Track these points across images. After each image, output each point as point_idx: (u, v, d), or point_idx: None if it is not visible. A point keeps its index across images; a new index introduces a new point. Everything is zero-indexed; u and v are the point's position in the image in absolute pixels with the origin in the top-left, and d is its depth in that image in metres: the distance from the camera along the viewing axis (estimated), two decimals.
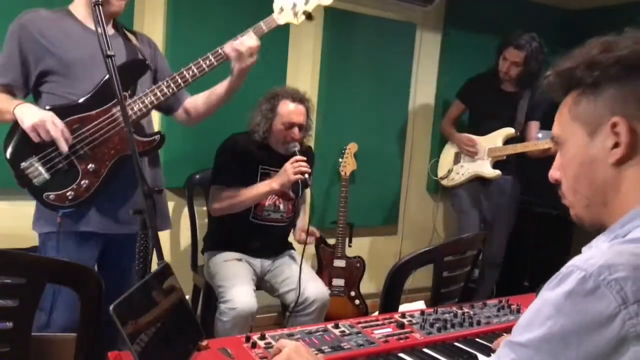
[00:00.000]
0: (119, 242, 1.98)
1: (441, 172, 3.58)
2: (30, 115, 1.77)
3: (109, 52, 1.62)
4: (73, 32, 1.91)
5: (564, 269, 0.78)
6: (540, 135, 3.56)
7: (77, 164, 1.85)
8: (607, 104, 0.84)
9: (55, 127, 1.77)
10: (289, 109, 2.56)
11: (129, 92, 1.90)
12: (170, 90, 1.91)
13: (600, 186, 0.86)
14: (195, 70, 1.91)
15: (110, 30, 1.97)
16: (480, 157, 3.36)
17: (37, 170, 1.83)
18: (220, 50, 1.93)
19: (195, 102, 2.17)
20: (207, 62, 1.92)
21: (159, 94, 1.89)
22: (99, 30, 1.63)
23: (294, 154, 2.47)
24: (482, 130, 3.38)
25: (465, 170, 3.43)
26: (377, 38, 3.58)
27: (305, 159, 2.44)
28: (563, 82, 0.90)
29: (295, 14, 2.00)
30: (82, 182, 1.85)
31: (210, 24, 2.98)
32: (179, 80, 1.91)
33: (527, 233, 3.81)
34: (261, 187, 2.49)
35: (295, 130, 2.56)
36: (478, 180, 3.40)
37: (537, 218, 3.78)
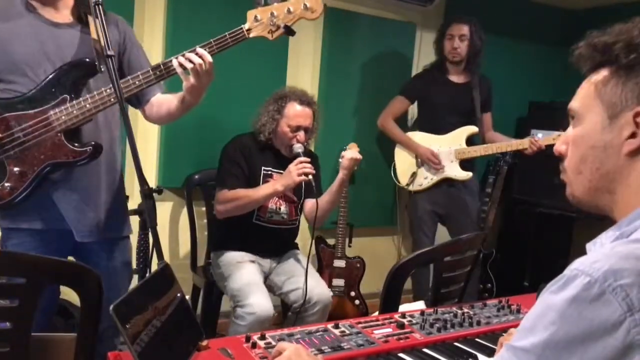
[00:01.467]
0: (88, 248, 1.90)
1: (403, 177, 3.39)
2: None
3: (109, 52, 1.60)
4: (20, 22, 1.74)
5: (567, 272, 0.76)
6: (540, 135, 3.55)
7: (5, 164, 1.73)
8: (636, 90, 0.80)
9: None
10: (296, 111, 2.55)
11: (72, 95, 1.74)
12: (112, 99, 1.71)
13: (608, 173, 0.84)
14: (142, 79, 1.76)
15: (66, 18, 1.80)
16: (448, 159, 3.27)
17: None
18: (172, 61, 1.76)
19: (158, 102, 1.98)
20: (157, 72, 1.76)
21: (98, 102, 1.72)
22: (99, 29, 1.61)
23: (298, 155, 2.47)
24: (439, 126, 3.30)
25: (434, 174, 3.30)
26: (377, 38, 3.58)
27: (309, 160, 2.43)
28: (596, 56, 0.85)
29: (271, 29, 1.78)
30: (7, 184, 1.73)
31: (210, 24, 2.97)
32: (123, 89, 1.71)
33: (527, 233, 3.81)
34: (265, 189, 2.49)
35: (301, 133, 2.55)
36: (445, 182, 3.31)
37: (537, 218, 3.78)
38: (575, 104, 0.89)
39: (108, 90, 1.72)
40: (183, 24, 2.93)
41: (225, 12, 3.01)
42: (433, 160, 3.27)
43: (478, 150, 3.24)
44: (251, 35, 1.79)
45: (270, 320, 2.35)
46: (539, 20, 4.05)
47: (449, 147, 3.27)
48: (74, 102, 1.73)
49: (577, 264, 0.76)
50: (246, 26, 1.80)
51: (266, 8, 1.80)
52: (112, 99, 1.73)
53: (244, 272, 2.49)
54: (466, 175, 3.27)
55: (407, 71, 3.75)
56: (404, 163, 3.41)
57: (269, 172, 2.61)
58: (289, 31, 1.81)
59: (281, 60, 3.25)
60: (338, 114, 3.49)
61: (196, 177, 2.99)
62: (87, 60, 1.74)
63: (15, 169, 1.73)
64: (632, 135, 0.81)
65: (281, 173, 2.53)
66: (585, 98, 0.86)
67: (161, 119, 2.02)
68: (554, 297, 0.76)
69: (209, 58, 1.75)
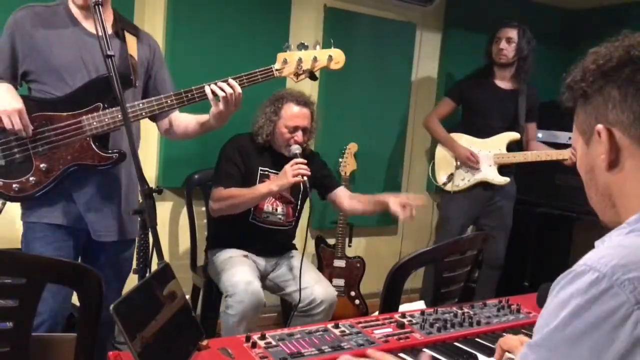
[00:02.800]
0: (98, 247, 1.96)
1: (441, 177, 3.42)
2: (1, 101, 1.75)
3: (109, 52, 1.61)
4: (63, 31, 1.87)
5: (577, 267, 0.78)
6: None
7: (32, 159, 1.82)
8: (593, 112, 0.87)
9: (17, 122, 1.74)
10: (293, 112, 2.55)
11: (105, 103, 1.84)
12: (144, 113, 1.86)
13: (604, 190, 0.89)
14: (174, 99, 1.88)
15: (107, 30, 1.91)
16: (486, 163, 3.28)
17: None
18: (205, 87, 1.89)
19: (178, 120, 2.12)
20: (189, 94, 1.88)
21: (130, 114, 1.81)
22: (99, 30, 1.63)
23: (295, 157, 2.46)
24: (480, 129, 3.31)
25: (471, 176, 3.32)
26: (377, 38, 3.58)
27: (305, 161, 2.43)
28: (568, 95, 0.93)
29: (297, 72, 1.95)
30: (31, 178, 1.82)
31: (211, 24, 2.98)
32: (155, 106, 1.87)
33: (527, 233, 3.80)
34: (260, 189, 2.49)
35: (299, 133, 2.55)
36: (481, 186, 3.33)
37: (537, 218, 3.78)
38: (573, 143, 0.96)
39: (141, 105, 1.86)
40: (183, 24, 2.93)
41: (225, 12, 3.02)
42: (471, 160, 3.27)
43: (517, 157, 3.23)
44: (281, 75, 1.96)
45: (261, 308, 2.37)
46: (539, 20, 4.05)
47: (489, 151, 3.28)
48: (107, 110, 1.84)
49: (585, 259, 0.78)
50: (276, 66, 1.96)
51: (295, 53, 1.97)
52: (144, 113, 1.86)
53: (236, 263, 2.51)
54: (503, 180, 3.27)
55: (407, 71, 3.76)
56: (443, 163, 3.41)
57: (266, 173, 2.61)
58: (312, 76, 2.00)
59: None
60: (338, 114, 3.49)
61: (196, 177, 3.00)
62: (124, 74, 1.84)
63: (42, 165, 1.83)
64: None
65: (277, 174, 2.53)
66: (573, 134, 0.97)
67: (171, 135, 2.16)
68: (563, 292, 0.78)
69: (239, 89, 1.90)
